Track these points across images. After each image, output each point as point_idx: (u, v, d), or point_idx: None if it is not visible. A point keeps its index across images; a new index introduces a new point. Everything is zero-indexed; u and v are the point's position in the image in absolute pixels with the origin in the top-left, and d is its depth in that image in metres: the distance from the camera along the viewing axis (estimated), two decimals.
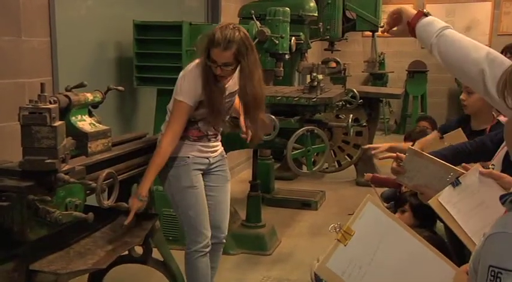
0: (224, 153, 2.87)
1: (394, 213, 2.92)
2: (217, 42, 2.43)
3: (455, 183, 1.76)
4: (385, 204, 3.76)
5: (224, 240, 2.87)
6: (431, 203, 1.84)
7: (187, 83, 2.53)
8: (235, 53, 2.45)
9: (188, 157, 2.65)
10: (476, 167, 1.70)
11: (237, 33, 2.44)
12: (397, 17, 1.76)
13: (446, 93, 9.31)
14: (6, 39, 2.79)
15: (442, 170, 1.85)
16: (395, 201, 3.10)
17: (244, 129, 2.79)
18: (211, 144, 2.73)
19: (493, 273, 0.98)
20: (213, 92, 2.52)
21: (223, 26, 2.49)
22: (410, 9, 1.74)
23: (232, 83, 2.65)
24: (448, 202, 1.75)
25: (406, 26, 1.73)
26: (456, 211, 1.73)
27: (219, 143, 2.82)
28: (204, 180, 2.74)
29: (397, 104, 9.11)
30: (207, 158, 2.73)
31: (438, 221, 2.64)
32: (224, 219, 2.84)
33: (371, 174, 4.06)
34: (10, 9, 2.80)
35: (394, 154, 1.96)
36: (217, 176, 2.81)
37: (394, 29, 1.78)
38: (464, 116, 2.96)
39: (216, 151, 2.78)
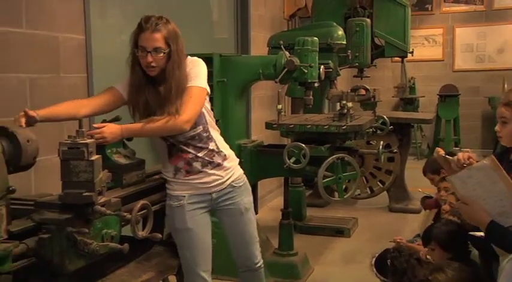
0: (240, 181, 2.59)
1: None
2: (144, 26, 2.27)
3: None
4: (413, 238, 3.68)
5: (256, 266, 2.71)
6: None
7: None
8: (165, 36, 2.28)
9: (184, 196, 2.44)
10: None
11: (163, 19, 2.31)
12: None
13: (479, 116, 9.18)
14: (46, 76, 2.92)
15: (507, 193, 1.79)
16: (422, 238, 3.03)
17: None
18: (209, 178, 2.46)
19: None
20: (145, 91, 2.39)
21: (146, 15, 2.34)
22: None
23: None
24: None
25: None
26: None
27: (226, 172, 2.51)
28: (217, 217, 2.60)
29: (429, 129, 9.01)
30: (209, 194, 2.49)
31: (473, 249, 2.59)
32: (249, 249, 2.68)
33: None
34: (50, 48, 2.93)
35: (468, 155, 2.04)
36: (229, 211, 2.56)
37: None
38: (505, 147, 2.87)
39: (221, 184, 2.49)
